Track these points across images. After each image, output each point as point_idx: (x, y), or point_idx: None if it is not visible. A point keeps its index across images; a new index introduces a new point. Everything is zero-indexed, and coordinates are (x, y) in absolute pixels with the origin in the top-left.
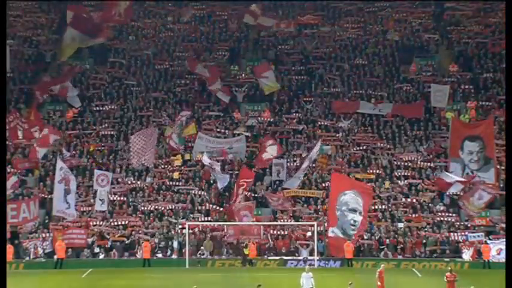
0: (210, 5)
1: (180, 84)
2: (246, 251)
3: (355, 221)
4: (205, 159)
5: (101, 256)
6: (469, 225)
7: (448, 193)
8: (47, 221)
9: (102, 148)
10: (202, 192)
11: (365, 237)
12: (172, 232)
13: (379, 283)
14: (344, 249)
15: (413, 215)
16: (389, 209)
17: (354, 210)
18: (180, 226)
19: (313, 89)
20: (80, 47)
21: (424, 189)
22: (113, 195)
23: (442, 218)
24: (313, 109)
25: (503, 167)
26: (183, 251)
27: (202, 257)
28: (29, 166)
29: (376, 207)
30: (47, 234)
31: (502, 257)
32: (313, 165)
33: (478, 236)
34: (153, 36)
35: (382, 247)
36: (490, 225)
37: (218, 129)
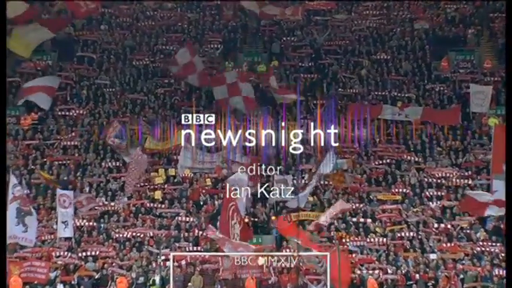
0: None
1: (163, 84)
2: None
3: None
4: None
5: None
6: None
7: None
8: None
9: (67, 162)
10: (190, 218)
11: (389, 271)
12: (154, 265)
13: None
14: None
15: (448, 244)
16: (419, 237)
17: None
18: (162, 257)
19: (325, 89)
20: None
21: (461, 213)
22: (80, 220)
23: (483, 248)
24: (325, 114)
25: None
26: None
27: None
28: None
29: (403, 234)
30: None
31: None
32: (325, 182)
33: None
34: (130, 26)
35: (410, 283)
36: None
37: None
